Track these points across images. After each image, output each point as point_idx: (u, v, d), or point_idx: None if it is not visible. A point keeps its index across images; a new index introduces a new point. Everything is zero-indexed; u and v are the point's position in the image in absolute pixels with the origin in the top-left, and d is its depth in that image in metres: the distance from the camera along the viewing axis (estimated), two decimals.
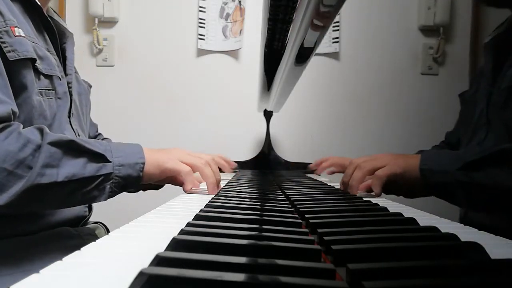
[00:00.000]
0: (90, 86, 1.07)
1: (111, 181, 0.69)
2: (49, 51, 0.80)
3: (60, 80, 0.81)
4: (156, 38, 1.73)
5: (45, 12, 0.83)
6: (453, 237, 0.37)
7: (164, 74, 1.74)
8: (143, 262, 0.28)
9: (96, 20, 1.68)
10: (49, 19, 0.83)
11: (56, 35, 0.84)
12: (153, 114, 1.73)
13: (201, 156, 0.80)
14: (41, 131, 0.66)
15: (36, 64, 0.73)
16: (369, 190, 0.81)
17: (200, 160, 0.78)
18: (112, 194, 0.71)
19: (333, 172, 1.21)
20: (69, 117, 0.85)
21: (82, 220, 0.89)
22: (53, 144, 0.65)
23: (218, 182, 0.79)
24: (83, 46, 1.71)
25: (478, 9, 1.73)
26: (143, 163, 0.72)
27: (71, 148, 0.67)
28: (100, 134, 1.18)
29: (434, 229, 0.41)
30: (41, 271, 0.27)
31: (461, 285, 0.25)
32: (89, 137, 1.10)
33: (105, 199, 0.71)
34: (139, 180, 0.72)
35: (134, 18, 1.73)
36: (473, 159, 0.69)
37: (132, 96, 1.73)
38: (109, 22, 1.72)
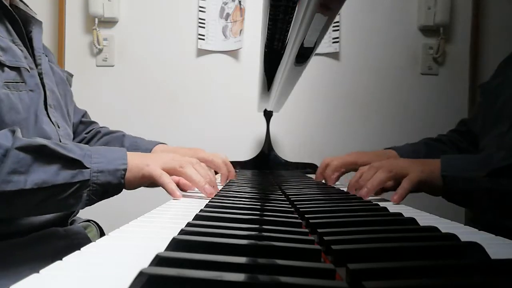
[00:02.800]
0: (71, 75, 1.02)
1: (89, 189, 0.66)
2: (14, 42, 0.77)
3: (29, 72, 0.77)
4: (156, 38, 1.73)
5: (5, 1, 0.78)
6: (453, 237, 0.37)
7: (164, 74, 1.74)
8: (143, 262, 0.28)
9: (96, 20, 1.68)
10: (10, 8, 0.79)
11: (20, 25, 0.80)
12: (152, 114, 1.73)
13: (186, 159, 0.75)
14: (13, 134, 0.62)
15: None
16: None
17: (180, 162, 0.73)
18: (90, 202, 0.67)
19: (339, 177, 1.07)
20: (46, 109, 0.81)
21: (68, 218, 0.87)
22: (22, 149, 0.61)
23: (210, 183, 0.72)
24: (83, 46, 1.72)
25: (478, 9, 1.73)
26: (125, 170, 0.68)
27: (43, 153, 0.62)
28: (93, 122, 1.10)
29: (434, 229, 0.41)
30: (41, 271, 0.27)
31: (461, 285, 0.25)
32: (74, 124, 1.04)
33: (82, 207, 0.68)
34: (120, 187, 0.69)
35: (134, 18, 1.73)
36: (501, 165, 0.65)
37: (132, 96, 1.73)
38: (109, 22, 1.72)
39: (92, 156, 0.66)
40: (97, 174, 0.66)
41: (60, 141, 0.82)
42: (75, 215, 0.91)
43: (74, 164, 0.65)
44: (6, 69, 0.72)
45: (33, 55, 0.83)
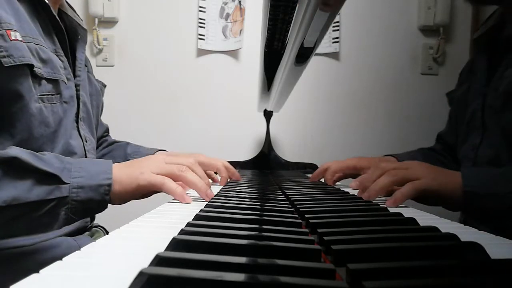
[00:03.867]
0: (104, 86, 1.02)
1: (67, 206, 0.59)
2: (56, 52, 0.76)
3: (66, 83, 0.76)
4: (156, 38, 1.73)
5: (54, 10, 0.77)
6: (453, 237, 0.37)
7: (164, 74, 1.74)
8: (143, 262, 0.28)
9: (96, 20, 1.69)
10: (58, 18, 0.78)
11: (64, 35, 0.79)
12: (153, 114, 1.73)
13: (181, 160, 0.70)
14: None
15: (35, 69, 0.67)
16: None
17: (179, 167, 0.68)
18: (69, 221, 0.61)
19: (340, 179, 1.04)
20: (77, 122, 0.80)
21: (83, 230, 0.85)
22: None
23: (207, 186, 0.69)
24: None
25: (478, 9, 1.73)
26: (109, 185, 0.62)
27: (13, 167, 0.57)
28: (108, 136, 1.13)
29: (434, 229, 0.41)
30: (41, 271, 0.27)
31: (461, 285, 0.25)
32: (97, 138, 1.06)
33: (60, 227, 0.62)
34: (104, 204, 0.63)
35: (134, 18, 1.73)
36: None
37: (132, 96, 1.74)
38: (109, 22, 1.72)
39: (72, 169, 0.60)
40: (77, 190, 0.60)
41: (86, 156, 0.82)
42: (90, 226, 0.89)
43: (50, 178, 0.59)
44: (43, 81, 0.70)
45: (73, 65, 0.82)
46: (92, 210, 0.63)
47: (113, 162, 0.66)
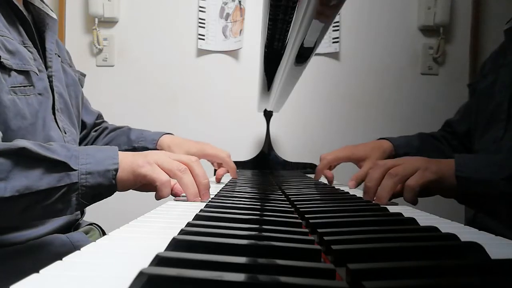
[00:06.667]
0: (84, 75, 1.00)
1: (77, 192, 0.61)
2: (24, 44, 0.75)
3: (38, 75, 0.74)
4: (156, 38, 1.73)
5: (18, 1, 0.76)
6: (453, 237, 0.37)
7: (164, 74, 1.74)
8: (143, 262, 0.28)
9: (96, 20, 1.69)
10: (23, 6, 0.76)
11: (30, 25, 0.77)
12: (153, 114, 1.73)
13: (183, 159, 0.70)
14: None
15: (2, 60, 0.67)
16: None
17: (179, 166, 0.68)
18: (80, 206, 0.62)
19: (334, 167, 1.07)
20: (54, 114, 0.79)
21: (74, 225, 0.85)
22: None
23: (205, 186, 0.69)
24: (83, 46, 1.72)
25: (478, 9, 1.73)
26: (116, 170, 0.63)
27: (23, 157, 0.58)
28: (104, 121, 1.11)
29: (434, 229, 0.41)
30: (41, 271, 0.27)
31: (461, 285, 0.25)
32: (88, 126, 1.05)
33: (72, 212, 0.63)
34: (113, 189, 0.64)
35: (134, 18, 1.73)
36: None
37: (132, 96, 1.73)
38: (109, 22, 1.72)
39: (80, 156, 0.62)
40: (85, 176, 0.61)
41: None
42: (79, 221, 0.89)
43: (60, 166, 0.60)
44: (13, 73, 0.69)
45: (44, 56, 0.81)
46: (101, 194, 0.64)
47: (118, 150, 0.67)
